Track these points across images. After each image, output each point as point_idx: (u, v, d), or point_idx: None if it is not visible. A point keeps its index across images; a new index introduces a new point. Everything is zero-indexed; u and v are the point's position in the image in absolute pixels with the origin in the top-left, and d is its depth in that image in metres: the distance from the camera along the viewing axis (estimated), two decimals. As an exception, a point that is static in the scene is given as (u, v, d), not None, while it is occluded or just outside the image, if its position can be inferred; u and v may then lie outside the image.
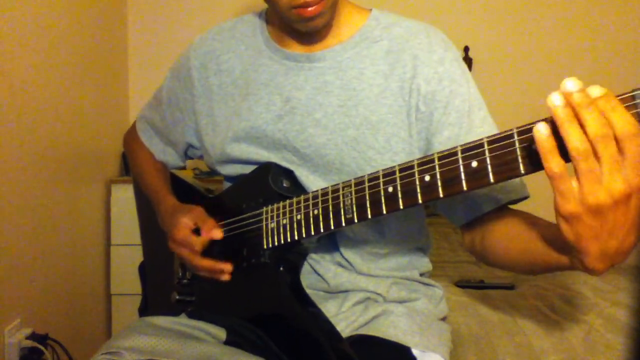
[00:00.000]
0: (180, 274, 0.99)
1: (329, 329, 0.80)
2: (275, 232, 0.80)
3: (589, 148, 0.47)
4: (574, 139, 0.47)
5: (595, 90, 0.47)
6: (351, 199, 0.70)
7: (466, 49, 2.24)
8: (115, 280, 2.02)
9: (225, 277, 0.85)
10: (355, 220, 0.69)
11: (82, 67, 1.87)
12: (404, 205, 0.64)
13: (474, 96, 0.81)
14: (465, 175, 0.58)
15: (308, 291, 0.83)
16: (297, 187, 0.85)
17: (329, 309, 0.85)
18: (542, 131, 0.49)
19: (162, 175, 1.06)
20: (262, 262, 0.83)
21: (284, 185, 0.84)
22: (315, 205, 0.75)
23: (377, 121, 0.81)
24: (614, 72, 2.21)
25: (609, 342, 1.05)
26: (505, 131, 0.55)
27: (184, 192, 1.03)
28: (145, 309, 1.18)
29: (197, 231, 0.87)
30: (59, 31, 1.71)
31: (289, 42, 0.88)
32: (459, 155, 0.59)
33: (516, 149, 0.54)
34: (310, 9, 0.76)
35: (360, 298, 0.86)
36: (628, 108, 0.48)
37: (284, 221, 0.79)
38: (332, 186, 0.74)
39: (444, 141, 0.79)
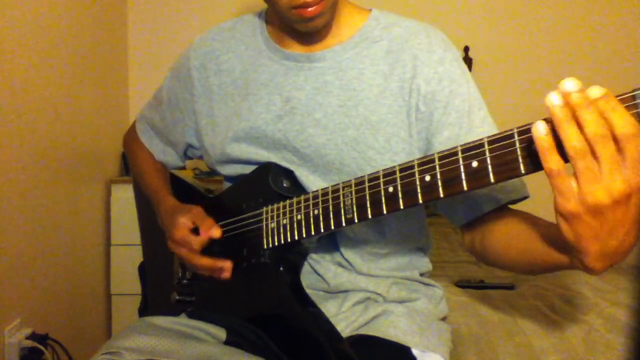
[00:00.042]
0: (180, 274, 0.99)
1: (329, 329, 0.80)
2: (276, 232, 0.80)
3: (587, 147, 0.47)
4: (571, 138, 0.47)
5: (595, 91, 0.47)
6: (351, 199, 0.70)
7: (466, 49, 2.24)
8: (115, 280, 2.02)
9: (226, 275, 0.84)
10: (356, 220, 0.69)
11: (82, 67, 1.87)
12: (404, 205, 0.64)
13: (473, 96, 0.81)
14: (466, 175, 0.58)
15: (308, 291, 0.83)
16: (297, 187, 0.85)
17: (329, 309, 0.85)
18: (540, 129, 0.49)
19: (161, 175, 1.05)
20: (262, 262, 0.83)
21: (284, 185, 0.84)
22: (315, 205, 0.75)
23: (377, 121, 0.81)
24: (614, 72, 2.21)
25: (609, 342, 1.05)
26: (506, 131, 0.55)
27: (184, 192, 1.03)
28: (145, 309, 1.17)
29: (196, 231, 0.87)
30: (59, 31, 1.71)
31: (289, 42, 0.88)
32: (460, 155, 0.59)
33: (516, 149, 0.54)
34: (310, 9, 0.76)
35: (360, 298, 0.86)
36: (628, 108, 0.48)
37: (284, 221, 0.79)
38: (332, 186, 0.74)
39: (444, 141, 0.79)
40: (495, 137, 0.56)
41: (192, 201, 0.94)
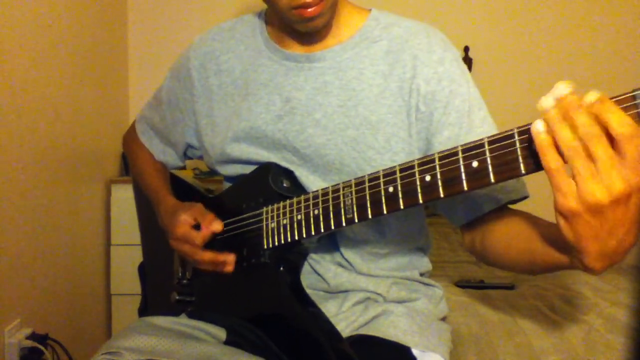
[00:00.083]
0: (180, 274, 0.99)
1: (329, 329, 0.80)
2: (276, 232, 0.80)
3: (580, 146, 0.48)
4: (565, 137, 0.49)
5: (591, 96, 0.48)
6: (352, 199, 0.70)
7: (466, 49, 2.24)
8: (115, 280, 2.02)
9: (229, 269, 0.85)
10: (356, 220, 0.69)
11: (82, 67, 1.87)
12: (404, 205, 0.64)
13: (473, 96, 0.81)
14: (466, 175, 0.58)
15: (308, 291, 0.83)
16: (297, 187, 0.85)
17: (329, 309, 0.85)
18: (539, 127, 0.51)
19: (161, 175, 1.06)
20: (262, 262, 0.83)
21: (284, 185, 0.84)
22: (315, 205, 0.75)
23: (377, 121, 0.81)
24: (614, 72, 2.21)
25: (609, 342, 1.05)
26: (506, 131, 0.55)
27: (184, 192, 1.03)
28: (145, 309, 1.18)
29: (197, 227, 0.87)
30: (59, 31, 1.71)
31: (289, 43, 0.88)
32: (460, 155, 0.59)
33: (517, 148, 0.54)
34: (309, 9, 0.76)
35: (360, 298, 0.86)
36: (628, 108, 0.48)
37: (284, 221, 0.79)
38: (332, 186, 0.74)
39: (444, 141, 0.79)
40: (496, 137, 0.56)
41: (192, 201, 0.94)
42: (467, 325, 1.15)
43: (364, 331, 0.82)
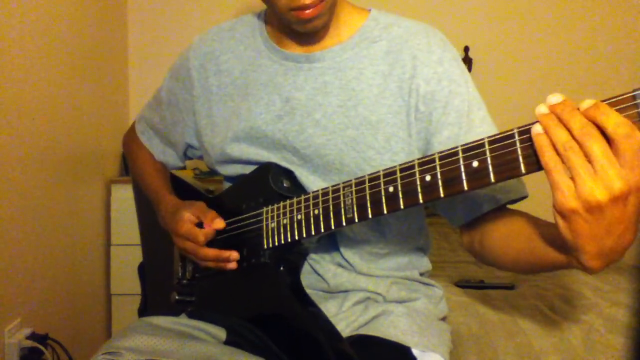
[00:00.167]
0: (180, 274, 0.99)
1: (329, 328, 0.80)
2: (276, 232, 0.80)
3: (576, 145, 0.49)
4: (559, 136, 0.50)
5: (586, 103, 0.50)
6: (352, 198, 0.70)
7: (466, 49, 2.24)
8: (115, 280, 2.02)
9: (232, 266, 0.85)
10: (356, 220, 0.69)
11: (82, 67, 1.87)
12: (404, 205, 0.64)
13: (473, 96, 0.81)
14: (466, 175, 0.58)
15: (308, 291, 0.83)
16: (297, 187, 0.85)
17: (329, 309, 0.85)
18: (538, 127, 0.52)
19: (162, 175, 1.06)
20: (262, 262, 0.83)
21: (284, 185, 0.84)
22: (315, 205, 0.75)
23: (377, 121, 0.81)
24: (613, 72, 2.21)
25: (609, 342, 1.05)
26: (506, 131, 0.56)
27: (184, 192, 1.03)
28: (145, 309, 1.18)
29: (200, 225, 0.87)
30: (59, 31, 1.71)
31: (288, 43, 0.88)
32: (460, 155, 0.59)
33: (517, 148, 0.54)
34: (308, 11, 0.76)
35: (360, 298, 0.86)
36: (628, 108, 0.48)
37: (284, 221, 0.79)
38: (332, 186, 0.74)
39: (443, 141, 0.79)
40: (496, 137, 0.56)
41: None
42: (467, 325, 1.15)
43: (364, 331, 0.82)
